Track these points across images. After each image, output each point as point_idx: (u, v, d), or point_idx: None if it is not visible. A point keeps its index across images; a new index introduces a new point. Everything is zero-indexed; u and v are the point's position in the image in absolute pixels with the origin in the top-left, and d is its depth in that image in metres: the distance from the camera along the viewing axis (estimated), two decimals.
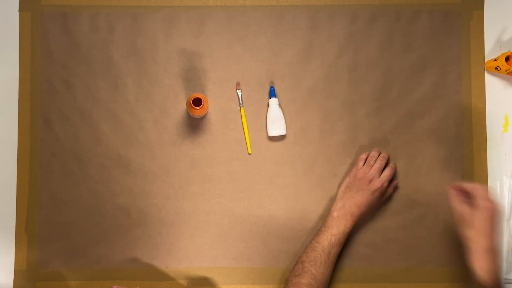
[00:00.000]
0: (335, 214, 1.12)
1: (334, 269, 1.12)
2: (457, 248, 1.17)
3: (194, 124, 1.19)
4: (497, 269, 0.97)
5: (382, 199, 1.16)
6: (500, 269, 0.98)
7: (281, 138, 1.19)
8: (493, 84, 1.20)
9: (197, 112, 1.10)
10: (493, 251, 0.97)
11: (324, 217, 1.16)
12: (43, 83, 1.19)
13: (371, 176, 1.13)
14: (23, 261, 1.16)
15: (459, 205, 1.01)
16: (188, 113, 1.18)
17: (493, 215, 0.97)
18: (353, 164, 1.18)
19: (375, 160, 1.16)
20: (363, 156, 1.17)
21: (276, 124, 1.17)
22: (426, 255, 1.17)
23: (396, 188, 1.18)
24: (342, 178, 1.18)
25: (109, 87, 1.19)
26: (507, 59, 1.15)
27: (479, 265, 0.96)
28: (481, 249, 0.96)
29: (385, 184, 1.14)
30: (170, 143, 1.18)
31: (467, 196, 1.02)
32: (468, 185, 1.01)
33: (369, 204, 1.13)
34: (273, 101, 1.18)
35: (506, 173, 1.19)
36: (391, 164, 1.17)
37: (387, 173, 1.14)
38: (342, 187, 1.15)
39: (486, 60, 1.20)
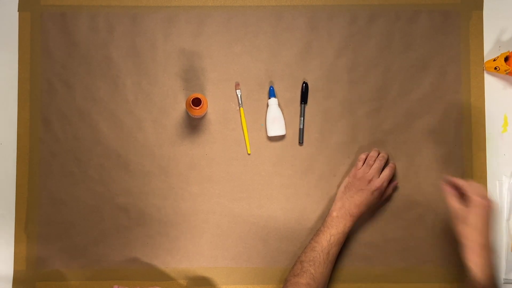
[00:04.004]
0: (334, 214, 1.12)
1: (333, 269, 1.12)
2: (456, 248, 1.17)
3: (193, 124, 1.19)
4: (492, 266, 0.98)
5: (382, 199, 1.16)
6: (494, 266, 0.98)
7: (280, 138, 1.19)
8: (492, 84, 1.20)
9: (197, 112, 1.10)
10: (488, 248, 0.97)
11: (323, 217, 1.16)
12: (42, 83, 1.19)
13: (371, 176, 1.13)
14: (23, 261, 1.16)
15: (453, 202, 1.02)
16: (187, 113, 1.18)
17: (488, 212, 0.98)
18: (353, 164, 1.18)
19: (375, 160, 1.16)
20: (363, 156, 1.17)
21: (276, 124, 1.17)
22: (425, 255, 1.17)
23: (395, 188, 1.18)
24: (341, 178, 1.18)
25: (108, 87, 1.19)
26: (506, 59, 1.15)
27: (474, 261, 0.97)
28: (475, 245, 0.97)
29: (385, 184, 1.14)
30: (169, 143, 1.18)
31: (462, 192, 1.02)
32: (462, 182, 1.02)
33: (369, 204, 1.13)
34: (273, 101, 1.18)
35: (505, 173, 1.19)
36: (390, 164, 1.17)
37: (386, 173, 1.14)
38: (342, 187, 1.15)
39: (485, 60, 1.20)
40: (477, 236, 0.97)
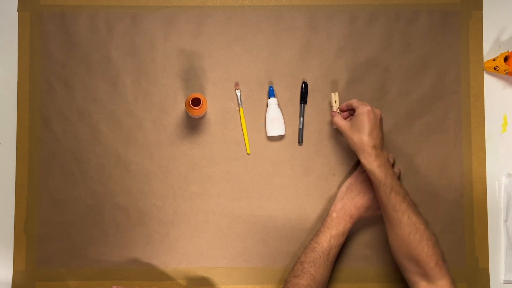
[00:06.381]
0: (334, 214, 1.12)
1: (333, 269, 1.12)
2: (455, 248, 1.17)
3: (193, 124, 1.19)
4: (386, 164, 1.04)
5: None
6: (390, 164, 1.07)
7: (280, 138, 1.19)
8: (491, 84, 1.20)
9: (196, 112, 1.10)
10: (379, 148, 1.04)
11: (323, 217, 1.16)
12: (42, 83, 1.19)
13: None
14: (22, 261, 1.16)
15: (339, 120, 1.10)
16: (187, 113, 1.18)
17: (371, 116, 1.05)
18: (352, 164, 1.18)
19: None
20: None
21: (275, 124, 1.17)
22: None
23: None
24: (341, 178, 1.18)
25: (108, 87, 1.19)
26: (505, 59, 1.15)
27: (369, 161, 1.03)
28: (368, 148, 1.03)
29: None
30: (169, 143, 1.18)
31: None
32: (345, 103, 1.13)
33: (369, 207, 1.12)
34: (272, 101, 1.18)
35: (505, 173, 1.19)
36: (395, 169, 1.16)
37: None
38: (343, 188, 1.15)
39: (485, 60, 1.20)
40: (368, 140, 1.03)
